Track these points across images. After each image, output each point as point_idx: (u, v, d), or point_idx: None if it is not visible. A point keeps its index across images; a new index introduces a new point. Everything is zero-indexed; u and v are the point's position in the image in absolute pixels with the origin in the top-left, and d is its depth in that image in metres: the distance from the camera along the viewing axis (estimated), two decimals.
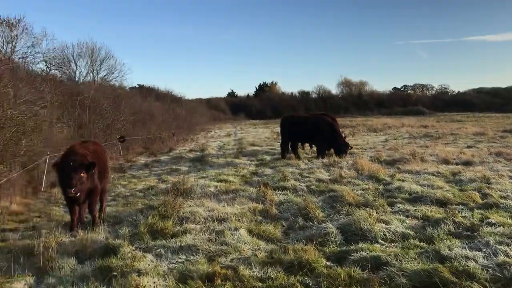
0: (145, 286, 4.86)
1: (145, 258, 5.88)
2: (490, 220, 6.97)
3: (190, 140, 29.23)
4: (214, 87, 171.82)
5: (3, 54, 19.46)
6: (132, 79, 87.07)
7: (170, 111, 35.08)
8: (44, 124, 13.05)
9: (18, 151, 11.22)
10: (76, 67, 33.01)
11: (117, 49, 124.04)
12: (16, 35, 21.35)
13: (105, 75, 34.74)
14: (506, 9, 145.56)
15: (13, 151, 11.03)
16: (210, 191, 10.30)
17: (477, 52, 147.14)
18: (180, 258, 5.91)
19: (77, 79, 30.21)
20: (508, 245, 5.73)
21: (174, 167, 15.39)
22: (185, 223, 7.48)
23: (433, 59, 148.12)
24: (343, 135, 16.76)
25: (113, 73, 35.09)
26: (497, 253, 5.47)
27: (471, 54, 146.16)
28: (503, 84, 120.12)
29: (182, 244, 6.32)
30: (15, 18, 21.09)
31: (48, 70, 26.51)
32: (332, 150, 16.27)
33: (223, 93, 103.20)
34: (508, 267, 5.01)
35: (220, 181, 11.82)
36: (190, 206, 8.68)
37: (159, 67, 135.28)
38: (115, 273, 5.27)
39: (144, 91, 38.22)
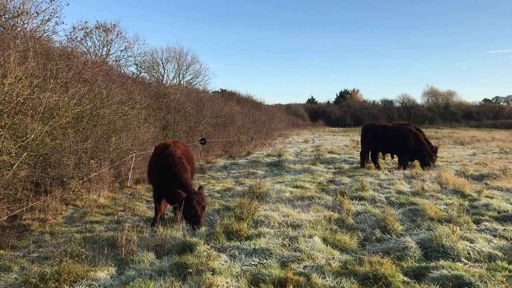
0: (218, 285, 4.93)
1: (219, 257, 5.98)
2: None
3: (268, 144, 29.46)
4: (294, 93, 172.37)
5: (99, 57, 20.88)
6: (215, 83, 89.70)
7: (250, 116, 35.65)
8: (132, 124, 13.79)
9: (108, 148, 11.96)
10: (164, 71, 34.63)
11: (202, 54, 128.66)
12: (111, 39, 22.88)
13: (190, 79, 36.12)
14: None
15: (103, 148, 11.79)
16: (286, 196, 10.29)
17: None
18: (254, 261, 5.95)
19: (164, 82, 31.63)
20: None
21: (251, 170, 15.58)
22: (260, 226, 7.53)
23: None
24: (435, 146, 15.94)
25: (198, 77, 36.39)
26: None
27: None
28: None
29: (256, 247, 6.36)
30: (111, 23, 22.64)
31: (138, 73, 28.07)
32: (416, 161, 15.62)
33: (303, 99, 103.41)
34: None
35: (296, 187, 11.78)
36: (265, 210, 8.74)
37: (241, 72, 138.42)
38: (190, 270, 5.41)
39: (226, 96, 39.21)
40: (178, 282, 5.14)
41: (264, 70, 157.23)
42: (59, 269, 5.18)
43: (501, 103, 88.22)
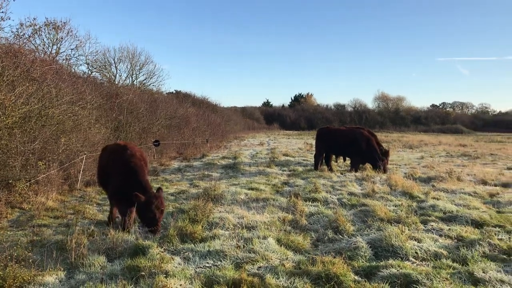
0: (171, 287, 4.88)
1: (173, 260, 5.92)
2: None
3: (223, 147, 29.42)
4: (250, 96, 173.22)
5: (48, 55, 20.15)
6: (170, 84, 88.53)
7: (205, 118, 35.42)
8: (82, 124, 13.39)
9: (57, 149, 11.55)
10: (117, 71, 33.82)
11: (156, 54, 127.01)
12: (61, 37, 22.07)
13: (144, 80, 35.42)
14: None
15: (52, 149, 11.37)
16: (241, 198, 10.31)
17: None
18: (208, 263, 5.92)
19: (116, 82, 30.87)
20: None
21: (206, 173, 15.50)
22: (214, 228, 7.50)
23: (475, 76, 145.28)
24: (387, 149, 16.42)
25: (151, 77, 35.73)
26: None
27: None
28: None
29: (210, 249, 6.34)
30: (61, 21, 21.84)
31: (90, 72, 27.26)
32: (367, 164, 16.06)
33: (258, 103, 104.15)
34: None
35: (251, 189, 11.82)
36: (220, 212, 8.72)
37: (197, 74, 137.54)
38: (143, 273, 5.32)
39: (180, 97, 38.72)
40: (131, 285, 5.05)
41: (220, 72, 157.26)
42: (3, 274, 4.96)
43: (447, 109, 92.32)
